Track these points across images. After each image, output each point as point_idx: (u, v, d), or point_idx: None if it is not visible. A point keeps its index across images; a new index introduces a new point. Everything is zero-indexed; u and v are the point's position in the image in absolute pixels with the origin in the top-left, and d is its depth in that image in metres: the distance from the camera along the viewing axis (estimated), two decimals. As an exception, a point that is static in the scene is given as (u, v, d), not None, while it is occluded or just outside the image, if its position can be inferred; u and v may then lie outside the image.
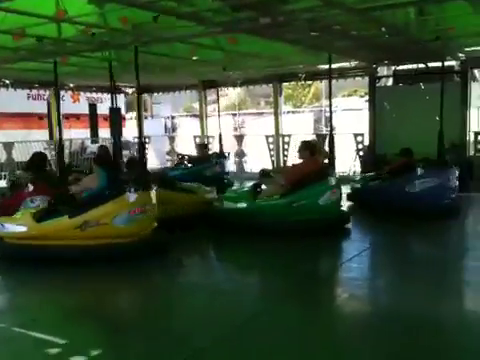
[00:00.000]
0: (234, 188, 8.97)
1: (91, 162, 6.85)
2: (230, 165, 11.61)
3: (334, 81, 12.76)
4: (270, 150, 13.23)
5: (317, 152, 7.12)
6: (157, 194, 6.90)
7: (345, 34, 7.60)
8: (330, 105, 8.06)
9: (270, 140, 13.24)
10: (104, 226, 5.64)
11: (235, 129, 24.70)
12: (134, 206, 5.75)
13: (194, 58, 9.18)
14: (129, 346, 3.59)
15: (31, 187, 6.93)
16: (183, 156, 11.04)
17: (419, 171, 7.83)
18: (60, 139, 8.22)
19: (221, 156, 10.85)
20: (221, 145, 11.18)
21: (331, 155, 7.62)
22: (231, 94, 29.22)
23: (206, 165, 10.31)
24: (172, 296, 4.69)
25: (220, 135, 11.21)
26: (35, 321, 4.15)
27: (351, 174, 11.74)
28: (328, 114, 9.82)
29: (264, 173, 7.30)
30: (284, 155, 13.06)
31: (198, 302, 4.52)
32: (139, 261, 5.63)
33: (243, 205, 6.76)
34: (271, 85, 13.50)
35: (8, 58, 8.65)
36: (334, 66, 8.37)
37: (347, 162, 11.81)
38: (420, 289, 4.62)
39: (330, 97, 8.05)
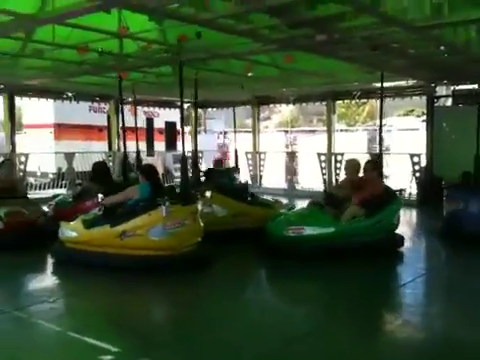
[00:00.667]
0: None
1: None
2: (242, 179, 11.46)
3: (390, 100, 12.68)
4: (322, 169, 13.11)
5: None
6: (231, 205, 7.20)
7: (402, 53, 7.49)
8: (380, 125, 7.93)
9: (322, 158, 13.14)
10: (140, 237, 5.68)
11: (286, 146, 24.67)
12: (169, 220, 5.68)
13: (249, 74, 9.28)
14: (176, 357, 3.62)
15: (100, 197, 7.17)
16: (199, 171, 11.09)
17: (445, 192, 7.73)
18: (124, 150, 8.52)
19: (236, 171, 10.87)
20: (236, 160, 11.16)
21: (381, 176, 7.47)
22: (284, 111, 29.27)
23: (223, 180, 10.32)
24: (222, 310, 4.70)
25: (235, 151, 11.17)
26: (88, 327, 4.24)
27: (406, 196, 11.38)
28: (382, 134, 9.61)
29: (329, 196, 7.01)
30: (336, 173, 12.89)
31: (249, 317, 4.52)
32: (192, 274, 5.68)
33: (331, 229, 6.48)
34: (324, 103, 13.45)
35: (73, 72, 9.07)
36: (390, 84, 8.24)
37: (403, 183, 11.47)
38: (475, 320, 4.43)
39: (381, 116, 7.87)
